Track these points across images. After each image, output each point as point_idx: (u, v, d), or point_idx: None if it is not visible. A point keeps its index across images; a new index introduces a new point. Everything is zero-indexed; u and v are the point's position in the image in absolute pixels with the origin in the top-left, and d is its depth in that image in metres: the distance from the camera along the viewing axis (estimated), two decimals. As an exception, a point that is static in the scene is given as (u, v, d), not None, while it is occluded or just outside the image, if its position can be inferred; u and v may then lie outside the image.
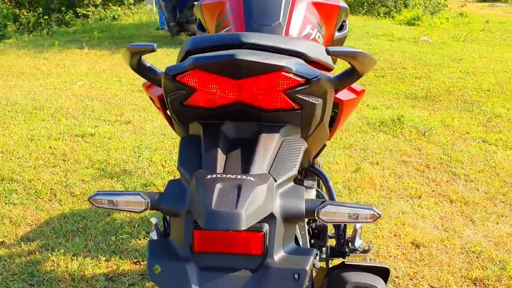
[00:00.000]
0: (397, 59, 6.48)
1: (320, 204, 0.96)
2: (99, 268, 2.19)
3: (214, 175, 0.94)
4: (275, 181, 0.96)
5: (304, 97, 1.04)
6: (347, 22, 1.86)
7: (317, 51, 1.12)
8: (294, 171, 1.00)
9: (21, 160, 3.24)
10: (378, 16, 11.02)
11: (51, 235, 2.42)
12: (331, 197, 1.42)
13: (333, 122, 1.26)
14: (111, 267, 2.20)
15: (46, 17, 11.62)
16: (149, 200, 0.99)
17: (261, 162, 0.98)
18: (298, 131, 1.10)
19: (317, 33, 1.62)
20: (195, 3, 7.07)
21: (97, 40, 8.20)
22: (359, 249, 1.41)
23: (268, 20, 1.51)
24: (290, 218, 0.96)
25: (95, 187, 2.90)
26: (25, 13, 11.88)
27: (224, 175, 0.94)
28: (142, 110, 4.36)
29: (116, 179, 3.00)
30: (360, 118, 4.23)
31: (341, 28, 1.84)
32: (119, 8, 11.82)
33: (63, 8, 11.83)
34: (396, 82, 5.51)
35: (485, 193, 2.93)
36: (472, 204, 2.79)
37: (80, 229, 2.48)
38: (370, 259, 2.24)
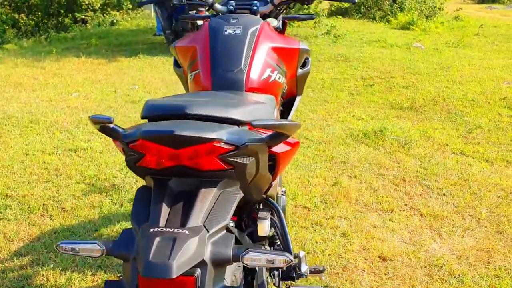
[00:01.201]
0: (387, 68, 6.63)
1: (244, 251, 1.14)
2: (85, 282, 2.35)
3: (156, 229, 1.13)
4: (208, 231, 1.15)
5: (235, 159, 1.22)
6: (309, 59, 2.04)
7: (251, 117, 1.29)
8: (226, 221, 1.19)
9: (16, 176, 3.41)
10: (374, 20, 11.14)
11: (42, 250, 2.59)
12: (282, 227, 1.60)
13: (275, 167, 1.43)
14: (96, 281, 2.37)
15: (45, 21, 11.77)
16: (105, 248, 1.18)
17: (197, 216, 1.17)
18: (236, 183, 1.29)
19: (278, 74, 1.79)
20: (190, 12, 7.25)
21: (94, 48, 8.37)
22: (305, 274, 1.59)
23: (231, 66, 1.70)
24: (219, 263, 1.14)
25: (85, 202, 3.07)
26: (24, 18, 12.04)
27: (164, 229, 1.12)
28: (134, 123, 4.53)
29: (105, 194, 3.16)
30: (344, 129, 4.39)
31: (304, 65, 2.01)
32: (117, 13, 12.01)
33: (62, 11, 11.93)
34: (383, 91, 5.65)
35: (455, 206, 3.08)
36: (441, 217, 2.95)
37: (69, 244, 2.65)
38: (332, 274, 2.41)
